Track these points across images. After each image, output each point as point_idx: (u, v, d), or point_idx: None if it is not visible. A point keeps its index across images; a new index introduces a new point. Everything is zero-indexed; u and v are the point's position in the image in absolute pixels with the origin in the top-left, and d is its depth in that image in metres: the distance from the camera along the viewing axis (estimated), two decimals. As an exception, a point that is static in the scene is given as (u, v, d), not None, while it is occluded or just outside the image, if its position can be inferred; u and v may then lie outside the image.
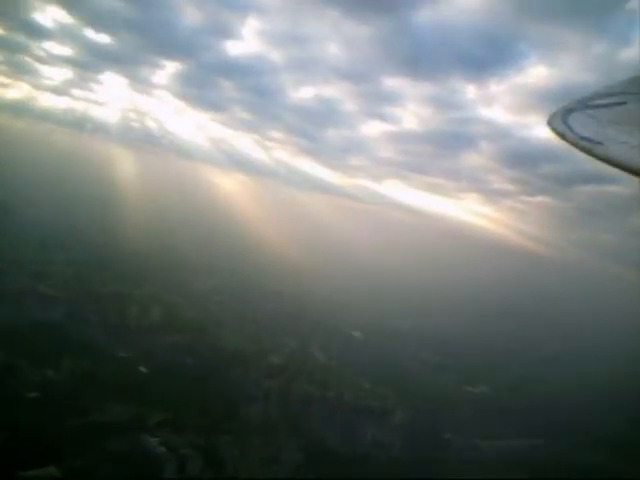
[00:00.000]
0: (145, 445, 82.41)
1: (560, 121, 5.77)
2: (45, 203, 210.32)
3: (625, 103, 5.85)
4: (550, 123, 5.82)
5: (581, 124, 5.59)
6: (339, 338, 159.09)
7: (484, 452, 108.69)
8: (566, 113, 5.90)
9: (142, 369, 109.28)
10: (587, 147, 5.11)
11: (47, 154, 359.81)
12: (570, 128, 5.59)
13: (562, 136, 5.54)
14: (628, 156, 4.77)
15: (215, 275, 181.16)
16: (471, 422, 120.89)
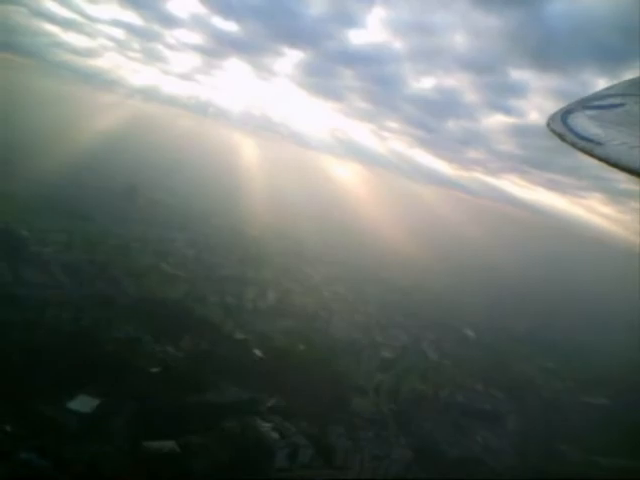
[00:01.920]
0: (258, 429, 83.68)
1: (560, 122, 5.82)
2: (169, 186, 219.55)
3: (624, 104, 5.88)
4: (550, 124, 5.87)
5: (581, 125, 5.63)
6: (451, 336, 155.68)
7: (604, 470, 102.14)
8: (566, 114, 5.97)
9: (257, 352, 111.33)
10: (587, 148, 5.15)
11: (173, 138, 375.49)
12: (570, 129, 5.63)
13: (562, 137, 5.57)
14: (628, 157, 4.71)
15: (330, 264, 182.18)
16: (589, 436, 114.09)
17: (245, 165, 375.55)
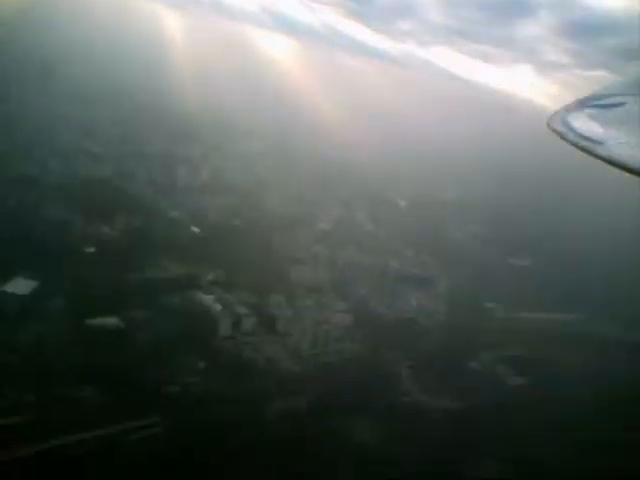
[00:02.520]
0: (201, 302, 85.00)
1: (560, 121, 5.89)
2: (91, 62, 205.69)
3: (625, 104, 5.94)
4: (550, 124, 5.95)
5: (581, 124, 5.68)
6: (385, 206, 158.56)
7: (523, 323, 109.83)
8: (566, 114, 6.03)
9: (194, 229, 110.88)
10: (588, 147, 5.20)
11: (91, 14, 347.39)
12: (571, 128, 5.67)
13: (563, 136, 5.61)
14: (628, 156, 4.78)
15: (262, 139, 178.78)
16: (513, 294, 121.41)
17: (168, 40, 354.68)
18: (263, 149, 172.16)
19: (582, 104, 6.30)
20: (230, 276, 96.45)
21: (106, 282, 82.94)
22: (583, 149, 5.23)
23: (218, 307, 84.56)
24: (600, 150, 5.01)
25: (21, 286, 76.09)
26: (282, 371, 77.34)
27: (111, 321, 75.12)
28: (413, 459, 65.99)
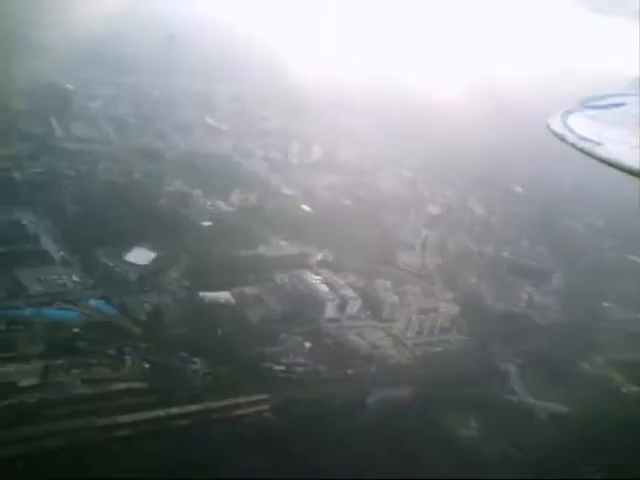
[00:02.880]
0: (309, 282, 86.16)
1: (560, 122, 5.85)
2: (212, 36, 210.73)
3: (624, 104, 5.95)
4: (550, 125, 5.96)
5: (581, 125, 5.64)
6: (499, 192, 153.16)
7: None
8: (566, 114, 5.98)
9: (305, 207, 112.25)
10: (587, 148, 5.15)
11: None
12: (570, 129, 5.63)
13: (562, 137, 5.61)
14: (628, 157, 4.69)
15: (379, 118, 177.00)
16: (633, 294, 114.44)
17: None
18: (380, 128, 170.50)
19: (582, 105, 6.31)
20: (338, 257, 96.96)
21: (220, 257, 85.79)
22: (582, 150, 5.23)
23: (325, 288, 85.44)
24: (599, 151, 5.02)
25: (141, 256, 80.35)
26: (385, 358, 77.18)
27: (223, 296, 77.78)
28: (512, 462, 64.25)
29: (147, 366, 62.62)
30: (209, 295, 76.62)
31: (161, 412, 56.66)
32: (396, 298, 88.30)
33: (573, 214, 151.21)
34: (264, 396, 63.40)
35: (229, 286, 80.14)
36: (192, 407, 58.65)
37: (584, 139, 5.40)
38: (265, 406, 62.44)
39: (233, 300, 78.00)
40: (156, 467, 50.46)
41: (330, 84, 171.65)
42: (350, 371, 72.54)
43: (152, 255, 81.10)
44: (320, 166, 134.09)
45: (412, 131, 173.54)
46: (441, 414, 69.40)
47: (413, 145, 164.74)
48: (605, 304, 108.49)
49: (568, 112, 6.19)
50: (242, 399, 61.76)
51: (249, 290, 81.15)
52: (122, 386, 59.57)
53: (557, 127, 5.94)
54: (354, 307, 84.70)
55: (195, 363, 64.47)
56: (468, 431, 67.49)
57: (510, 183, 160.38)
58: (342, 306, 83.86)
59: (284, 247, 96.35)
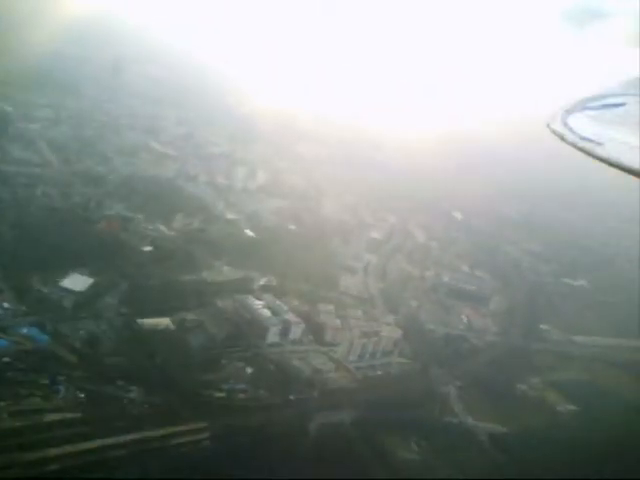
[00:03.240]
0: (251, 307, 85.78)
1: (560, 122, 5.80)
2: (161, 62, 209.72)
3: (624, 104, 5.90)
4: (550, 125, 5.87)
5: (581, 125, 5.61)
6: (440, 218, 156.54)
7: (579, 347, 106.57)
8: (566, 114, 5.93)
9: (248, 232, 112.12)
10: (587, 148, 5.16)
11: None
12: (570, 129, 5.61)
13: (562, 137, 5.56)
14: (628, 157, 4.74)
15: (322, 144, 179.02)
16: (569, 316, 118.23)
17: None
18: (323, 154, 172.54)
19: (582, 104, 6.27)
20: (281, 282, 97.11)
21: (160, 282, 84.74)
22: (582, 150, 5.23)
23: (268, 313, 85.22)
24: (599, 151, 5.01)
25: (78, 282, 78.43)
26: (327, 382, 77.21)
27: (163, 322, 76.61)
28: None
29: (82, 395, 60.78)
30: (148, 322, 75.30)
31: (96, 443, 55.03)
32: (338, 322, 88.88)
33: (511, 240, 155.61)
34: (203, 424, 62.44)
35: (169, 312, 79.03)
36: (129, 437, 57.20)
37: (584, 139, 5.40)
38: (204, 434, 61.46)
39: (173, 326, 76.88)
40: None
41: (277, 110, 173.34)
42: (292, 396, 72.26)
43: (89, 281, 79.29)
44: (265, 191, 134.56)
45: (356, 158, 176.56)
46: (383, 438, 69.77)
47: (356, 171, 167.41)
48: (542, 326, 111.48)
49: (568, 112, 6.14)
50: (180, 428, 60.65)
51: (190, 316, 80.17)
52: (55, 417, 57.62)
53: (557, 127, 5.91)
54: (297, 332, 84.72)
55: (132, 391, 63.04)
56: (410, 454, 67.98)
57: (450, 209, 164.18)
58: (285, 331, 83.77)
59: (227, 272, 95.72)
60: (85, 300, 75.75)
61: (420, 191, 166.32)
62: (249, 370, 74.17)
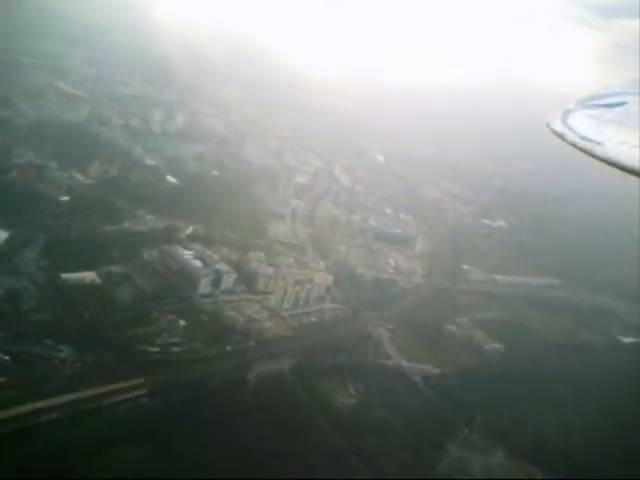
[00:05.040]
0: (180, 257, 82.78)
1: (560, 122, 5.84)
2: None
3: (624, 103, 5.89)
4: (550, 124, 5.95)
5: (581, 124, 5.64)
6: (363, 161, 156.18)
7: (499, 286, 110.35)
8: (566, 114, 5.96)
9: (171, 178, 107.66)
10: (587, 147, 5.17)
11: None
12: (570, 128, 5.62)
13: (562, 137, 5.59)
14: (628, 156, 4.74)
15: (242, 85, 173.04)
16: (489, 256, 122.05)
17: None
18: (241, 95, 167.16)
19: (582, 104, 6.23)
20: (209, 230, 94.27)
21: (82, 234, 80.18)
22: (582, 149, 5.18)
23: (198, 263, 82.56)
24: (599, 150, 4.93)
25: (-7, 236, 72.88)
26: (263, 331, 76.25)
27: (88, 276, 72.67)
28: (392, 424, 66.26)
29: (6, 358, 56.80)
30: (72, 276, 71.10)
31: (27, 407, 51.80)
32: (270, 270, 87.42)
33: (431, 182, 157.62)
34: (140, 380, 60.13)
35: (93, 265, 75.00)
36: (62, 399, 54.22)
37: (584, 138, 5.26)
38: (142, 391, 59.28)
39: (99, 280, 73.08)
40: (26, 469, 46.06)
41: (194, 49, 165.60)
42: (228, 347, 70.90)
43: (4, 235, 73.65)
44: (184, 135, 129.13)
45: (275, 99, 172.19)
46: (321, 383, 69.91)
47: (277, 113, 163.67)
48: (465, 267, 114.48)
49: (568, 111, 6.00)
50: (116, 385, 58.13)
51: (116, 269, 76.42)
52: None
53: (557, 126, 5.79)
54: (229, 281, 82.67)
55: (62, 351, 59.60)
56: (349, 398, 68.58)
57: (372, 152, 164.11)
58: (216, 281, 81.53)
59: (150, 221, 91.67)
60: (1, 255, 70.42)
61: (342, 134, 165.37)
62: (182, 323, 71.82)
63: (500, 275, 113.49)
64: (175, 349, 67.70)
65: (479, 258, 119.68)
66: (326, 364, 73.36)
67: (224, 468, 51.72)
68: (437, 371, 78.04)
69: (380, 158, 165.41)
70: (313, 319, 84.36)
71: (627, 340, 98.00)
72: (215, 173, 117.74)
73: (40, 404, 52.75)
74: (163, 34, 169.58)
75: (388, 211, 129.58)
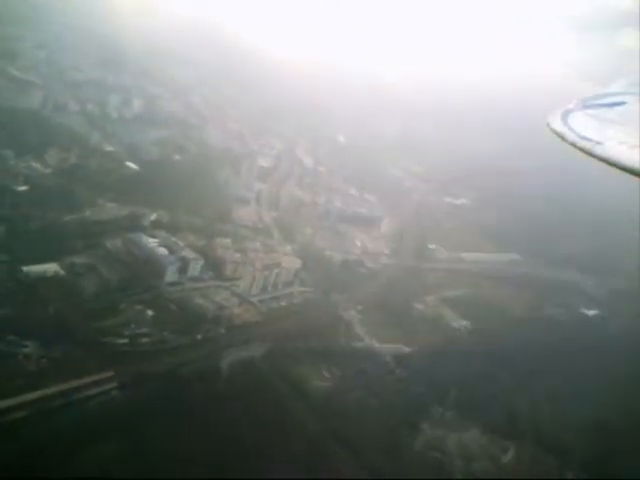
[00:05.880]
0: (145, 245, 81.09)
1: (560, 121, 5.84)
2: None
3: (624, 103, 5.96)
4: (550, 124, 5.97)
5: (581, 124, 5.65)
6: (324, 142, 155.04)
7: (465, 264, 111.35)
8: (566, 113, 5.97)
9: (131, 165, 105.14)
10: (587, 147, 5.18)
11: None
12: (570, 128, 5.63)
13: (562, 136, 5.59)
14: (627, 156, 4.68)
15: (199, 66, 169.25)
16: (452, 234, 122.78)
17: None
18: (198, 77, 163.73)
19: (582, 103, 6.24)
20: (173, 217, 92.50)
21: (42, 225, 77.72)
22: (582, 149, 5.19)
23: (163, 251, 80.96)
24: (599, 150, 4.91)
25: (-53, 229, 70.03)
26: (233, 318, 75.40)
27: (50, 268, 70.51)
28: (367, 406, 66.37)
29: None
30: (34, 269, 68.85)
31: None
32: (238, 255, 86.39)
33: (393, 161, 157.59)
34: (109, 373, 58.80)
35: (56, 257, 72.77)
36: (29, 396, 52.58)
37: (584, 138, 5.28)
38: (112, 384, 57.97)
39: (62, 272, 71.03)
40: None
41: (147, 30, 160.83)
42: (199, 336, 69.88)
43: (-41, 227, 71.06)
44: (142, 119, 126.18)
45: (235, 82, 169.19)
46: (294, 368, 69.47)
47: (235, 95, 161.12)
48: (430, 246, 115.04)
49: (568, 111, 6.08)
50: (85, 380, 56.70)
51: (79, 259, 74.37)
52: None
53: (557, 126, 5.82)
54: (196, 268, 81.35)
55: (26, 346, 57.77)
56: (323, 382, 68.37)
57: (333, 133, 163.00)
58: (183, 268, 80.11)
59: (112, 209, 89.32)
60: (-44, 249, 67.84)
61: (301, 115, 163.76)
62: (150, 313, 70.40)
63: (465, 253, 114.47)
64: (144, 340, 66.36)
65: (444, 236, 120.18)
66: (298, 348, 72.88)
67: (201, 459, 51.06)
68: (408, 350, 78.25)
69: (341, 139, 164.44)
70: (283, 303, 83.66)
71: (590, 312, 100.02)
72: (176, 158, 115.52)
73: (5, 403, 51.06)
74: (114, 15, 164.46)
75: (352, 192, 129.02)
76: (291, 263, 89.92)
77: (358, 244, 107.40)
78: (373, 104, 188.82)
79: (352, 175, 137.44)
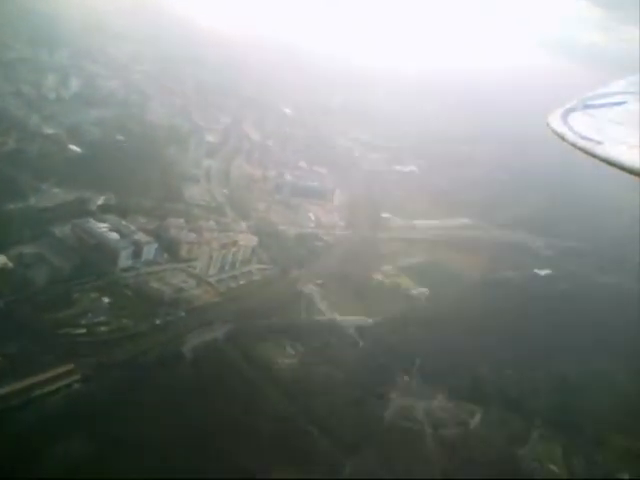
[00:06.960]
0: (94, 231, 78.43)
1: (560, 121, 5.82)
2: None
3: (625, 103, 5.94)
4: (550, 123, 5.94)
5: (581, 124, 5.65)
6: (270, 115, 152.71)
7: (419, 231, 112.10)
8: (566, 113, 5.96)
9: (73, 147, 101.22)
10: (587, 147, 5.14)
11: None
12: (570, 128, 5.61)
13: (562, 136, 5.58)
14: (627, 156, 4.70)
15: (137, 42, 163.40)
16: (404, 202, 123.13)
17: None
18: (137, 54, 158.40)
19: (582, 103, 6.16)
20: (122, 199, 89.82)
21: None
22: (582, 149, 5.11)
23: (115, 236, 78.48)
24: (599, 150, 4.87)
25: None
26: (193, 300, 74.05)
27: (-3, 260, 67.61)
28: (334, 380, 66.42)
29: None
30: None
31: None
32: (192, 236, 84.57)
33: (340, 130, 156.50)
34: (69, 366, 56.97)
35: (3, 248, 69.66)
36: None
37: (584, 138, 5.20)
38: (73, 377, 56.23)
39: (10, 264, 68.10)
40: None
41: (82, 5, 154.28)
42: (158, 321, 68.35)
43: None
44: (82, 99, 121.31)
45: (174, 54, 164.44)
46: (258, 347, 68.84)
47: (177, 69, 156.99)
48: (383, 215, 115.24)
49: (569, 110, 5.97)
50: (45, 375, 54.76)
51: (27, 249, 71.51)
52: None
53: (557, 126, 5.72)
54: (150, 251, 79.26)
55: (-21, 344, 55.41)
56: (288, 358, 68.07)
57: (278, 105, 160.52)
58: (137, 252, 77.96)
59: (58, 195, 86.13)
60: None
61: (245, 88, 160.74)
62: (106, 300, 68.51)
63: (418, 220, 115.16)
64: (102, 329, 64.65)
65: (396, 205, 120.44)
66: (261, 327, 72.35)
67: (172, 445, 50.23)
68: (370, 321, 78.62)
69: (288, 111, 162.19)
70: (242, 282, 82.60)
71: (543, 272, 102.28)
72: (120, 138, 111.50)
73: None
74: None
75: (302, 164, 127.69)
76: (247, 241, 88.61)
77: (312, 217, 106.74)
78: (319, 75, 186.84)
79: (301, 147, 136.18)
